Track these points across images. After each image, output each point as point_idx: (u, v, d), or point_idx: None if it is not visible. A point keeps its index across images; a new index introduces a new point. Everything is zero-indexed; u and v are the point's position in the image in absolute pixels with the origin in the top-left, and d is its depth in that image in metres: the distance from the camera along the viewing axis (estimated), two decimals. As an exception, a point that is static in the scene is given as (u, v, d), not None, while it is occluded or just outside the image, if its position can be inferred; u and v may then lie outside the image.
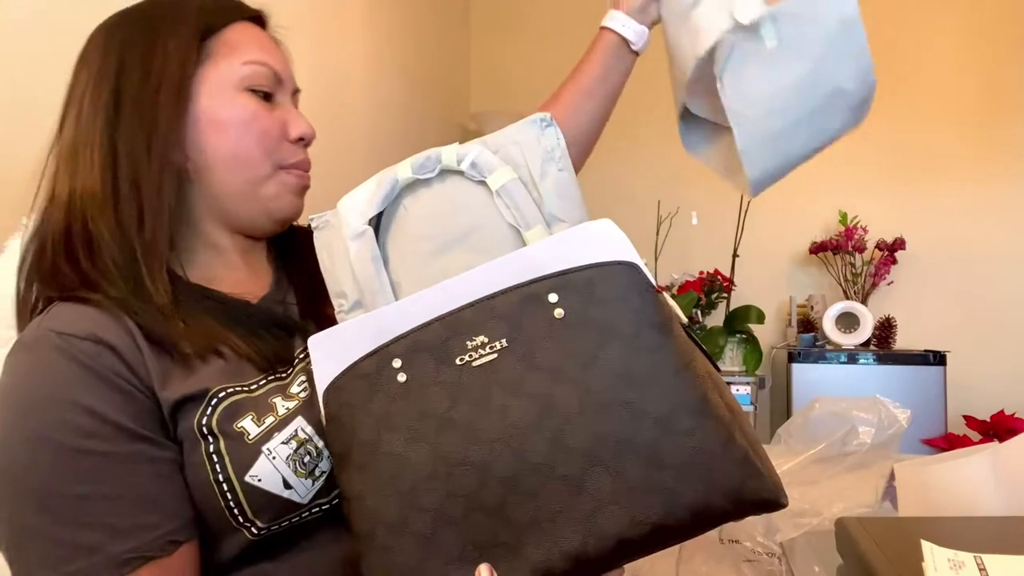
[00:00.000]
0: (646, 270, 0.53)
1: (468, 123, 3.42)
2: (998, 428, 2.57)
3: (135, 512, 0.56)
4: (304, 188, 0.75)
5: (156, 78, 0.66)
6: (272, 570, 0.63)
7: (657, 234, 3.11)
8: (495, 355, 0.51)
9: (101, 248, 0.64)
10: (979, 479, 0.74)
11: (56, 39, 1.25)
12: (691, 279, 2.99)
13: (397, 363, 0.53)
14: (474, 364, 0.52)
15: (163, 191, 0.65)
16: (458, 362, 0.52)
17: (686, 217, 3.15)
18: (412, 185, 0.61)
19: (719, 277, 2.97)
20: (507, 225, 0.59)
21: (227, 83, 0.69)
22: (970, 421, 2.62)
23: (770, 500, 0.49)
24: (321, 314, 0.72)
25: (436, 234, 0.60)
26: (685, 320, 0.55)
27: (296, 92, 0.76)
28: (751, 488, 0.48)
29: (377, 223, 0.62)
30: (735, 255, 2.99)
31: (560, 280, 0.52)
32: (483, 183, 0.59)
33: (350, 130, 2.29)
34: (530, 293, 0.52)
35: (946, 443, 2.52)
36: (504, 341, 0.51)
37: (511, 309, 0.52)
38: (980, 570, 0.55)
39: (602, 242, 0.53)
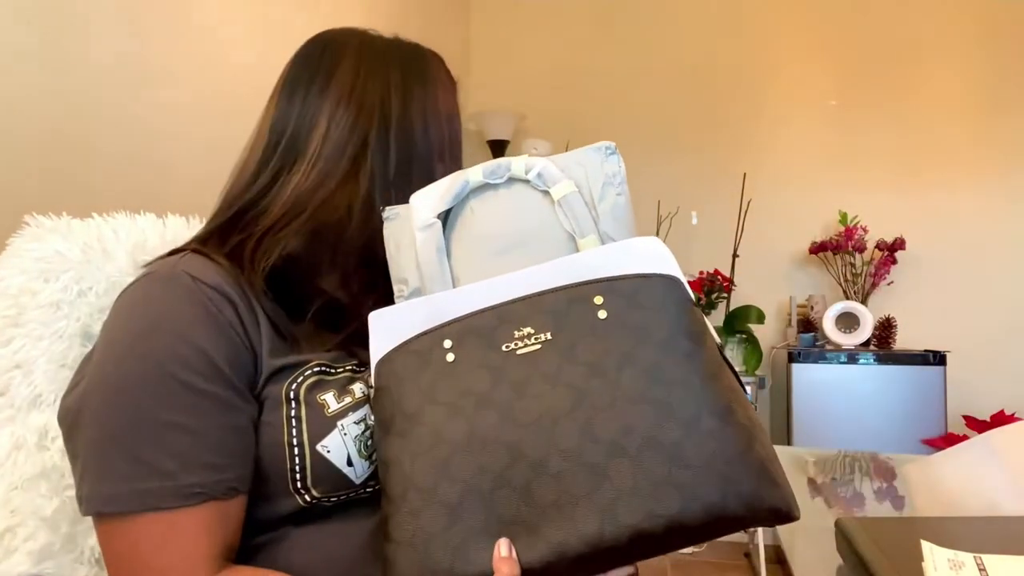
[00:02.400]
0: (686, 285, 0.58)
1: (468, 123, 3.42)
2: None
3: (211, 452, 0.60)
4: None
5: (435, 115, 0.77)
6: (304, 536, 0.65)
7: (657, 234, 3.11)
8: (539, 346, 0.55)
9: (281, 252, 0.69)
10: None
11: (58, 45, 1.25)
12: (691, 279, 2.99)
13: (448, 343, 0.58)
14: (518, 352, 0.56)
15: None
16: (504, 349, 0.56)
17: (686, 217, 3.15)
18: (480, 189, 0.66)
19: (719, 277, 2.97)
20: (564, 235, 0.63)
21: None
22: (970, 421, 2.62)
23: (783, 510, 0.51)
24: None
25: (498, 235, 0.64)
26: (719, 340, 0.59)
27: None
28: (766, 496, 0.50)
29: (444, 219, 0.66)
30: (735, 255, 2.99)
31: (607, 285, 0.57)
32: (547, 194, 0.64)
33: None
34: (578, 294, 0.57)
35: (946, 443, 2.52)
36: (549, 334, 0.56)
37: (559, 306, 0.56)
38: (980, 570, 0.55)
39: (649, 256, 0.58)
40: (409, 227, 0.66)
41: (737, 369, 2.58)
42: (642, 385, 0.52)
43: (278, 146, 0.74)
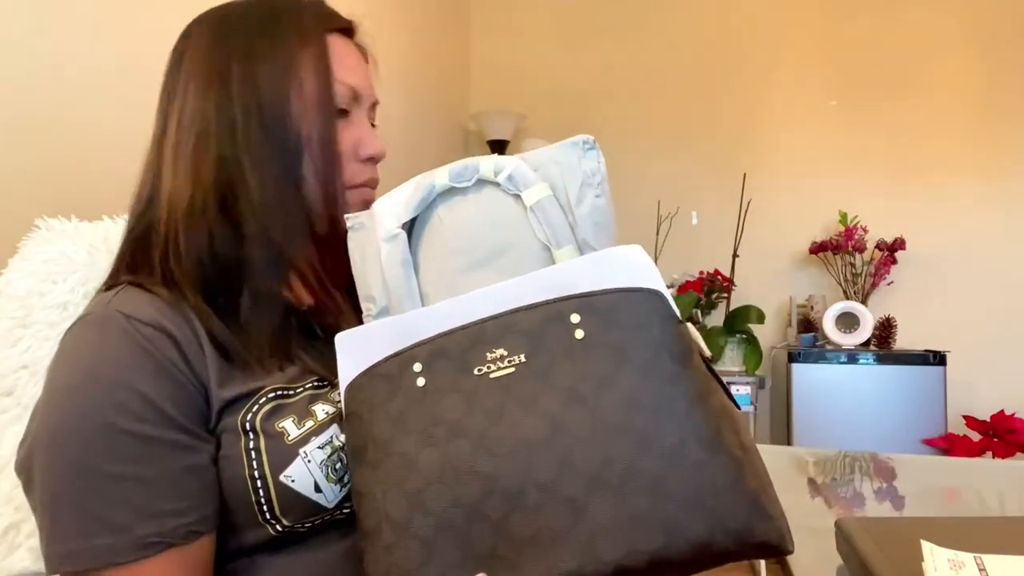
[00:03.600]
0: (670, 299, 0.53)
1: (468, 123, 3.42)
2: (998, 428, 2.57)
3: (165, 499, 0.58)
4: (367, 204, 0.73)
5: (271, 108, 0.68)
6: (277, 561, 0.63)
7: (657, 234, 3.11)
8: (512, 369, 0.52)
9: (194, 256, 0.66)
10: None
11: (61, 45, 1.25)
12: (691, 279, 3.00)
13: (418, 367, 0.54)
14: (491, 376, 0.52)
15: (296, 206, 0.68)
16: (476, 372, 0.52)
17: (686, 217, 3.15)
18: (447, 193, 0.61)
19: (719, 277, 2.97)
20: (539, 246, 0.58)
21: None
22: (970, 421, 2.62)
23: (775, 545, 0.48)
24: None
25: (468, 250, 0.59)
26: (708, 354, 0.55)
27: (374, 105, 0.76)
28: (757, 530, 0.47)
29: (411, 228, 0.62)
30: (735, 255, 2.99)
31: (584, 302, 0.52)
32: (518, 197, 0.58)
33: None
34: (553, 311, 0.52)
35: (946, 443, 2.52)
36: (523, 356, 0.52)
37: (533, 325, 0.52)
38: (980, 570, 0.56)
39: (630, 267, 0.53)
40: (374, 237, 0.62)
41: (737, 369, 2.56)
42: (622, 412, 0.48)
43: (153, 145, 0.71)
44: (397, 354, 0.55)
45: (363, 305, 0.64)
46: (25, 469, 0.59)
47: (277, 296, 0.67)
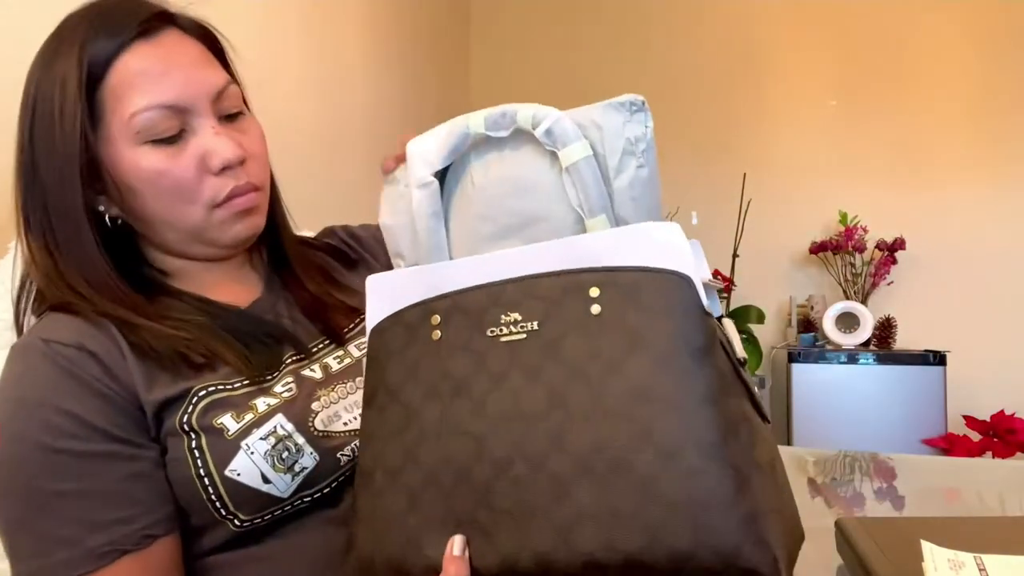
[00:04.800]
0: (700, 288, 0.48)
1: (468, 123, 3.41)
2: (998, 428, 2.57)
3: (112, 508, 0.59)
4: (251, 209, 0.69)
5: (62, 154, 0.63)
6: (258, 552, 0.64)
7: (657, 234, 3.11)
8: (524, 335, 0.50)
9: (71, 277, 0.65)
10: None
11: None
12: (691, 279, 2.99)
13: (436, 319, 0.54)
14: (502, 339, 0.51)
15: (88, 253, 0.66)
16: (489, 334, 0.51)
17: (686, 217, 3.15)
18: (482, 147, 0.57)
19: (719, 277, 2.97)
20: (573, 218, 0.54)
21: (123, 142, 0.64)
22: (970, 421, 2.62)
23: (765, 575, 0.43)
24: (330, 325, 0.74)
25: (497, 217, 0.56)
26: (741, 355, 0.50)
27: (221, 93, 0.67)
28: (746, 554, 0.42)
29: (443, 176, 0.59)
30: (735, 255, 2.99)
31: (606, 276, 0.49)
32: (555, 156, 0.53)
33: (350, 130, 2.29)
34: (574, 282, 0.50)
35: (946, 443, 2.52)
36: (535, 324, 0.50)
37: (552, 293, 0.50)
38: (980, 570, 0.55)
39: (663, 246, 0.49)
40: (405, 191, 0.60)
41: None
42: (626, 400, 0.45)
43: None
44: (420, 303, 0.55)
45: (392, 260, 0.64)
46: None
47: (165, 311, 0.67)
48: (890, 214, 2.94)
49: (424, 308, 0.55)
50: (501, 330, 0.51)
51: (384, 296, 0.57)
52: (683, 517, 0.43)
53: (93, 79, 0.63)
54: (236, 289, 0.75)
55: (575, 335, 0.49)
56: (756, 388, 0.51)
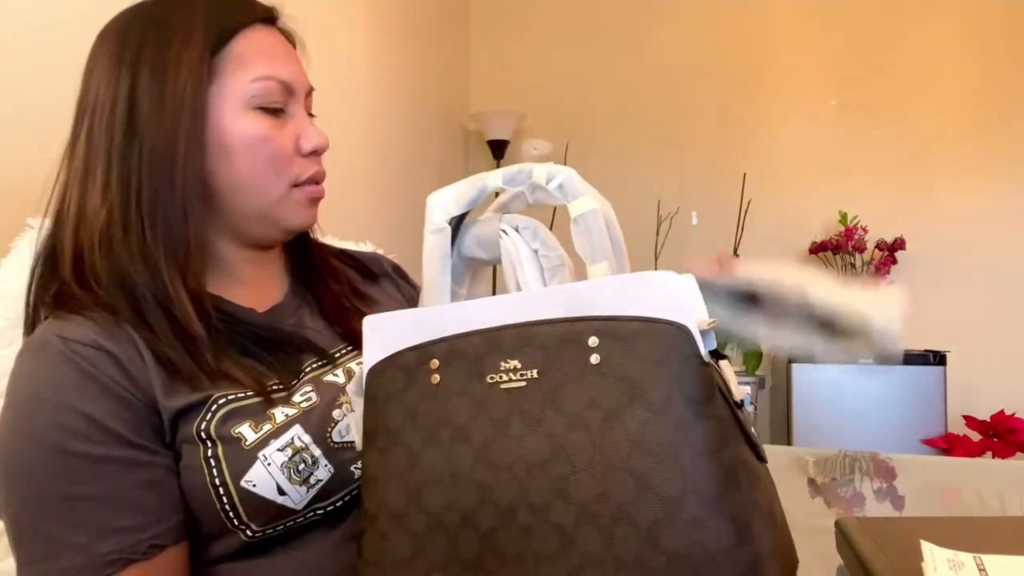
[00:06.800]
0: (698, 336, 0.48)
1: (468, 123, 3.42)
2: (998, 428, 2.57)
3: (122, 515, 0.58)
4: (318, 199, 0.74)
5: (172, 102, 0.64)
6: (265, 564, 0.64)
7: (657, 234, 3.11)
8: (524, 383, 0.51)
9: (115, 276, 0.63)
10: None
11: (60, 42, 1.25)
12: (691, 279, 2.99)
13: (435, 363, 0.54)
14: (502, 386, 0.51)
15: (189, 219, 0.65)
16: (488, 380, 0.52)
17: (686, 217, 3.15)
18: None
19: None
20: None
21: (237, 103, 0.67)
22: (970, 421, 2.62)
23: None
24: (352, 330, 0.73)
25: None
26: (738, 398, 0.51)
27: (310, 92, 0.74)
28: None
29: (458, 224, 0.63)
30: (735, 255, 2.99)
31: (605, 325, 0.50)
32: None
33: (351, 130, 2.29)
34: (572, 331, 0.50)
35: (946, 443, 2.52)
36: (535, 372, 0.51)
37: (550, 341, 0.51)
38: (980, 570, 0.55)
39: (661, 295, 0.50)
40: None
41: (737, 369, 2.55)
42: (625, 451, 0.46)
43: (65, 160, 0.69)
44: (419, 346, 0.56)
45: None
46: None
47: (184, 312, 0.64)
48: (890, 214, 2.94)
49: (422, 352, 0.55)
50: (501, 377, 0.52)
51: (381, 337, 0.58)
52: (686, 566, 0.44)
53: (223, 39, 0.66)
54: (264, 289, 0.75)
55: (574, 384, 0.49)
56: (753, 428, 0.51)
